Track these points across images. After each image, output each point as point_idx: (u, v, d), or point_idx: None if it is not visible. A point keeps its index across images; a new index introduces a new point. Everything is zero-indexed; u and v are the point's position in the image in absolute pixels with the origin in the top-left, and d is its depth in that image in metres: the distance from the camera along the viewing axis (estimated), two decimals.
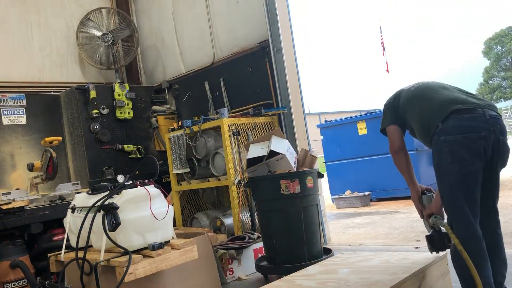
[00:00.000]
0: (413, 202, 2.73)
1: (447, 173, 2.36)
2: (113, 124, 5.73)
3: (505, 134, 2.40)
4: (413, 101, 2.63)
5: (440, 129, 2.38)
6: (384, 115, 2.78)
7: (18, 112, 5.38)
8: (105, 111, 5.62)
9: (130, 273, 2.57)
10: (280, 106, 4.84)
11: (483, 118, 2.34)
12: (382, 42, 14.76)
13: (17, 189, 4.56)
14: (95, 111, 5.51)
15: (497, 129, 2.34)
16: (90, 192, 3.03)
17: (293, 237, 3.64)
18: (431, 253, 2.69)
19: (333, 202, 8.13)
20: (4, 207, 3.90)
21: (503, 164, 2.44)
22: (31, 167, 4.46)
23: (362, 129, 8.13)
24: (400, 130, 2.69)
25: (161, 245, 2.77)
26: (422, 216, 2.69)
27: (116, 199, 2.77)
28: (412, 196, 2.72)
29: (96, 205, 2.77)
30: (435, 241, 2.61)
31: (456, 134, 2.33)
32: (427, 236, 2.66)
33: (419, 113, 2.57)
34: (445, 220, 2.48)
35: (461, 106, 2.38)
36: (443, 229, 2.50)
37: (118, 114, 5.73)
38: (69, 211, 3.11)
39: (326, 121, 9.04)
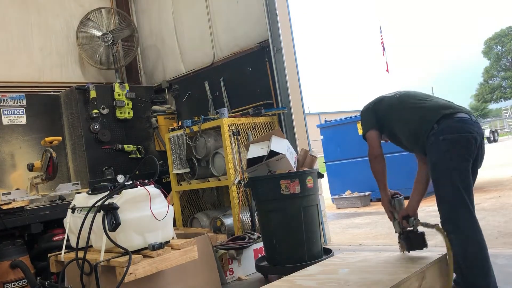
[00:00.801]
0: (383, 205, 2.94)
1: (447, 169, 2.51)
2: (113, 124, 5.73)
3: (483, 137, 2.62)
4: (399, 109, 2.80)
5: (436, 130, 2.55)
6: (364, 120, 2.94)
7: (18, 112, 5.38)
8: (105, 111, 5.63)
9: (130, 273, 2.58)
10: (280, 106, 4.84)
11: (471, 122, 2.55)
12: (382, 42, 14.77)
13: (17, 189, 4.56)
14: (95, 111, 5.51)
15: (480, 133, 2.56)
16: (90, 192, 3.03)
17: (293, 237, 3.64)
18: (409, 252, 2.84)
19: (333, 202, 8.12)
20: (4, 207, 3.90)
21: (481, 164, 2.65)
22: (31, 167, 4.46)
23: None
24: (379, 135, 2.87)
25: (161, 245, 2.78)
26: (392, 218, 2.91)
27: (116, 199, 2.77)
28: (383, 201, 2.93)
29: (96, 205, 2.78)
30: (415, 241, 2.80)
31: (453, 133, 2.51)
32: (405, 238, 2.84)
33: (408, 120, 2.73)
34: (419, 220, 2.75)
35: (452, 110, 2.59)
36: (419, 229, 2.78)
37: (118, 114, 5.73)
38: (69, 211, 3.11)
39: (326, 121, 9.03)
